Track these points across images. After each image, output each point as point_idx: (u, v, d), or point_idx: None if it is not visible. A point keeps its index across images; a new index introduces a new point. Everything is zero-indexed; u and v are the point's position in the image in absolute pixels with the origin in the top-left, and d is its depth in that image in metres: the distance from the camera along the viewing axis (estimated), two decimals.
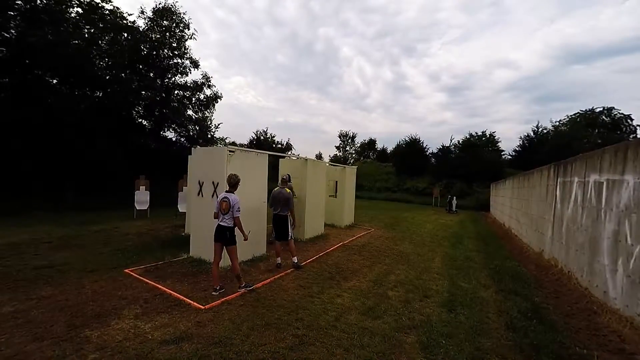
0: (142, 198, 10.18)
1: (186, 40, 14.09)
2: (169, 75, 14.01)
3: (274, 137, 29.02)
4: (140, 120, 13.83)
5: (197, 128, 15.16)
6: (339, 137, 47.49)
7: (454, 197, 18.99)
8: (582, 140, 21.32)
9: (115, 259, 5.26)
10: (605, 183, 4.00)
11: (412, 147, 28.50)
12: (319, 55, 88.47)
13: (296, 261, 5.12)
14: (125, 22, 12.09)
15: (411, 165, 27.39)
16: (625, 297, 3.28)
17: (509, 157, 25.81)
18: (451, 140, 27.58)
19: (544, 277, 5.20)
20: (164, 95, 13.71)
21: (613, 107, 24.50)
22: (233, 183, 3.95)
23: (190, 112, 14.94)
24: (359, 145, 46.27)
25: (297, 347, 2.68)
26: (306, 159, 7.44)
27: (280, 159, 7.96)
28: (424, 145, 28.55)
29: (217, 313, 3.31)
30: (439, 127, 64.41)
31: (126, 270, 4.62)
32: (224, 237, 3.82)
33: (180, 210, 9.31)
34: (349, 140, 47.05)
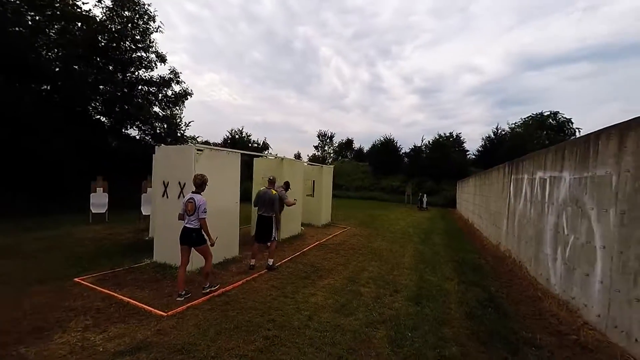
0: (99, 201, 9.39)
1: (151, 33, 13.23)
2: (132, 69, 13.06)
3: (249, 136, 28.30)
4: (98, 117, 12.73)
5: (165, 126, 14.34)
6: (318, 136, 47.72)
7: (425, 195, 20.00)
8: (534, 141, 23.54)
9: (64, 267, 4.82)
10: (548, 180, 4.48)
11: (386, 147, 29.52)
12: (297, 53, 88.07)
13: (271, 263, 5.03)
14: (78, 10, 11.04)
15: (386, 164, 28.36)
16: (563, 282, 3.71)
17: (473, 156, 27.72)
18: (422, 141, 29.06)
19: (500, 268, 5.69)
20: (126, 90, 12.74)
21: (558, 112, 27.47)
22: (199, 183, 3.85)
23: (157, 109, 14.06)
24: (337, 145, 46.87)
25: (268, 349, 2.68)
26: (282, 159, 7.39)
27: (255, 159, 7.84)
28: (398, 145, 29.75)
29: (181, 319, 3.18)
30: (412, 127, 67.54)
31: (77, 279, 4.25)
32: (190, 239, 3.72)
33: (143, 213, 8.77)
34: (328, 140, 47.47)
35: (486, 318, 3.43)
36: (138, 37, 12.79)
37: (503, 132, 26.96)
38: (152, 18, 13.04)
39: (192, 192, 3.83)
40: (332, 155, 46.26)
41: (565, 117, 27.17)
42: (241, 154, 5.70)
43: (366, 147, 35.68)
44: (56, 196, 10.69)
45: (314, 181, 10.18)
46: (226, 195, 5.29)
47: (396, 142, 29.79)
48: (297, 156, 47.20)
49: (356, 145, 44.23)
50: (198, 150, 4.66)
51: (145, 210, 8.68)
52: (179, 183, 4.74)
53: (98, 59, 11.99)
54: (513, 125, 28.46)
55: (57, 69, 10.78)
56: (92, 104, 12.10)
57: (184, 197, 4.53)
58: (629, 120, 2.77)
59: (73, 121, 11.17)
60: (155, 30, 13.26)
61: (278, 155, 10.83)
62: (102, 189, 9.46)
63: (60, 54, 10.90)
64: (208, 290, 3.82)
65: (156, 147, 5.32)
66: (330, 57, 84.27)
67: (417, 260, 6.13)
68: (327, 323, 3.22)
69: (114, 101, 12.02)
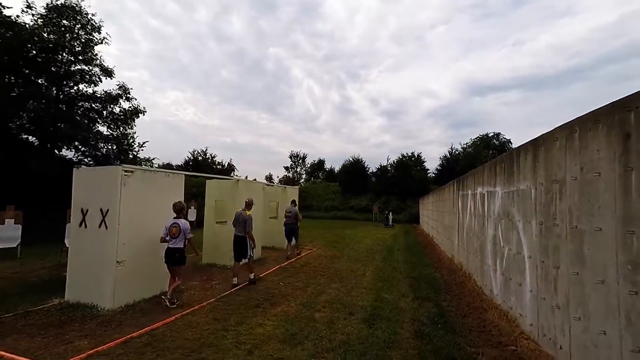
0: (7, 234, 7.89)
1: (95, 44, 12.39)
2: (71, 84, 11.92)
3: (214, 157, 27.31)
4: (26, 136, 11.19)
5: (115, 147, 13.14)
6: (290, 157, 47.74)
7: (390, 213, 20.63)
8: (482, 160, 26.12)
9: None
10: (486, 194, 4.83)
11: (355, 167, 30.45)
12: (269, 74, 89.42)
13: (252, 277, 5.51)
14: None
15: (355, 184, 29.09)
16: (502, 293, 3.88)
17: (433, 175, 29.70)
18: (387, 160, 30.51)
19: (452, 280, 5.86)
20: (62, 106, 11.51)
21: (500, 133, 31.28)
22: (179, 209, 4.46)
23: (102, 127, 12.87)
24: (309, 165, 47.20)
25: None
26: (237, 180, 7.12)
27: (208, 181, 7.42)
28: (366, 165, 30.87)
29: None
30: (380, 148, 71.01)
31: None
32: (173, 258, 4.29)
33: (67, 246, 7.65)
34: (300, 161, 47.65)
35: (434, 335, 3.40)
36: (79, 49, 11.85)
37: (457, 152, 29.52)
38: (97, 29, 12.23)
39: (174, 218, 4.41)
40: (304, 176, 46.39)
41: (505, 138, 30.91)
42: (189, 176, 5.38)
43: (337, 168, 36.49)
44: None
45: (277, 203, 9.94)
46: (166, 221, 4.83)
47: (364, 162, 30.98)
48: (269, 178, 46.46)
49: (328, 165, 45.01)
50: (126, 171, 4.24)
51: (68, 242, 7.59)
52: (101, 210, 4.20)
53: (27, 71, 10.75)
54: (465, 146, 31.40)
55: None
56: (16, 121, 10.62)
57: (106, 227, 4.12)
58: (539, 136, 3.12)
59: None
60: (100, 42, 12.45)
61: (248, 177, 10.45)
62: (12, 220, 8.07)
63: None
64: (174, 305, 4.22)
65: (74, 169, 4.70)
66: (302, 79, 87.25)
67: (376, 279, 6.09)
68: (270, 356, 2.94)
69: (43, 118, 10.64)
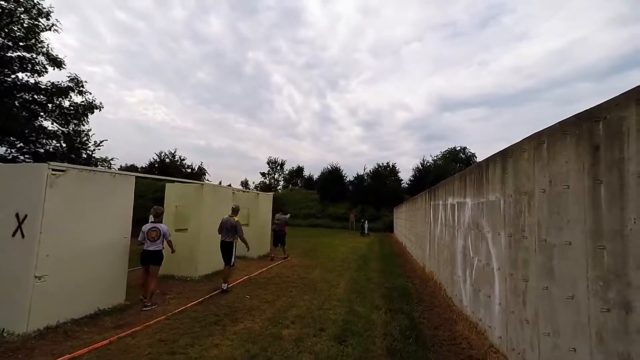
0: None
1: (42, 31, 11.12)
2: (7, 71, 10.48)
3: (183, 160, 25.82)
4: None
5: (64, 144, 11.71)
6: (268, 163, 46.75)
7: (366, 221, 20.81)
8: (451, 172, 27.63)
9: None
10: (456, 205, 4.88)
11: (333, 175, 30.57)
12: (248, 78, 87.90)
13: (225, 287, 5.40)
14: None
15: (332, 192, 29.13)
16: (472, 304, 3.86)
17: (407, 185, 30.70)
18: (364, 170, 31.07)
19: (424, 290, 5.83)
20: None
21: (466, 147, 33.50)
22: (159, 214, 4.81)
23: (48, 122, 11.42)
24: (287, 172, 46.52)
25: None
26: (202, 184, 6.60)
27: (167, 185, 6.80)
28: (344, 174, 31.10)
29: None
30: (358, 157, 72.54)
31: None
32: (154, 258, 4.53)
33: None
34: (278, 168, 46.81)
35: (406, 351, 3.24)
36: (21, 35, 10.52)
37: (428, 164, 30.89)
38: (45, 14, 11.02)
39: (152, 222, 4.68)
40: (282, 183, 45.62)
41: (471, 152, 33.15)
42: (141, 177, 4.84)
43: (316, 175, 36.43)
44: None
45: (248, 209, 9.46)
46: (109, 229, 4.29)
47: (342, 171, 31.23)
48: (244, 183, 45.06)
49: (307, 173, 44.78)
50: (55, 170, 3.61)
51: None
52: (17, 216, 3.51)
53: None
54: (435, 158, 33.02)
55: None
56: None
57: (23, 235, 3.48)
58: (508, 147, 3.15)
59: None
60: (47, 28, 11.19)
61: (222, 182, 9.87)
62: None
63: None
64: (149, 308, 4.34)
65: None
66: (282, 85, 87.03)
67: (350, 290, 5.89)
68: None
69: None
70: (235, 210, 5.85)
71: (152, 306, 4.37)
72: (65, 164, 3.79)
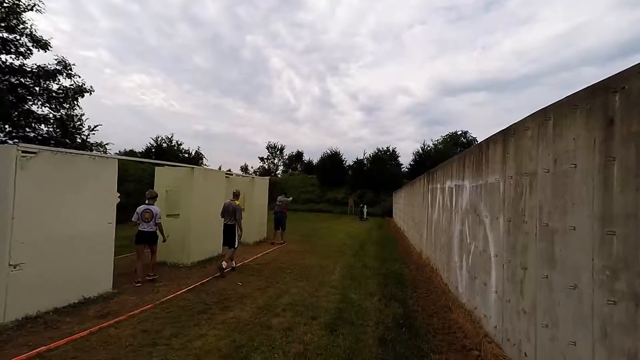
0: None
1: (23, 11, 10.57)
2: None
3: (180, 144, 25.49)
4: None
5: (56, 129, 11.49)
6: (267, 148, 46.19)
7: (365, 206, 20.75)
8: (451, 156, 27.25)
9: None
10: (454, 188, 4.66)
11: (332, 160, 30.26)
12: (246, 63, 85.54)
13: (224, 266, 5.48)
14: None
15: (332, 177, 28.96)
16: (467, 291, 3.73)
17: (407, 169, 30.37)
18: (364, 154, 30.67)
19: (420, 276, 5.74)
20: None
21: (467, 131, 32.76)
22: (153, 196, 5.15)
23: (37, 107, 11.12)
24: (287, 157, 46.09)
25: None
26: (193, 168, 6.39)
27: (157, 168, 6.62)
28: (343, 158, 30.76)
29: None
30: (358, 142, 71.70)
31: None
32: (148, 239, 4.95)
33: None
34: (278, 152, 46.31)
35: (398, 341, 3.14)
36: (1, 15, 9.97)
37: (429, 148, 30.40)
38: None
39: (146, 204, 4.99)
40: (281, 167, 45.33)
41: (472, 136, 32.43)
42: (127, 160, 4.63)
43: (315, 160, 36.07)
44: None
45: (243, 194, 9.30)
46: (90, 215, 4.11)
47: (342, 155, 30.84)
48: (244, 168, 44.83)
49: (306, 158, 44.40)
50: (25, 152, 3.37)
51: None
52: None
53: None
54: (436, 143, 32.44)
55: None
56: None
57: None
58: (510, 125, 2.89)
59: None
60: (29, 8, 10.61)
61: (222, 167, 9.69)
62: None
63: None
64: (152, 278, 5.00)
65: None
66: (282, 69, 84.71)
67: (345, 276, 5.80)
68: None
69: None
70: (236, 195, 6.12)
71: (153, 276, 5.05)
72: (36, 146, 3.55)
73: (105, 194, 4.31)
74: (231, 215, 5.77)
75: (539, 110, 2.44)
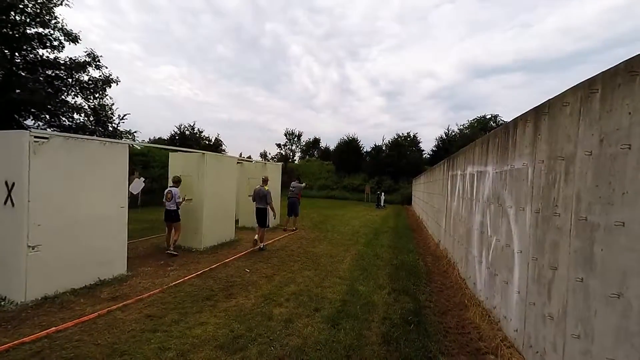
0: None
1: (54, 5, 11.01)
2: (27, 48, 10.66)
3: (202, 132, 26.25)
4: None
5: (92, 118, 12.23)
6: (285, 135, 46.35)
7: (382, 193, 20.20)
8: None
9: None
10: (476, 175, 4.20)
11: (349, 146, 29.65)
12: (266, 51, 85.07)
13: (262, 246, 6.45)
14: None
15: (348, 163, 28.45)
16: (486, 289, 3.37)
17: (428, 156, 29.00)
18: (383, 140, 29.67)
19: (436, 269, 5.40)
20: (20, 72, 10.38)
21: (498, 115, 30.18)
22: (176, 180, 5.89)
23: (71, 97, 11.80)
24: (304, 143, 46.01)
25: None
26: (204, 153, 6.40)
27: (171, 154, 6.74)
28: (361, 144, 30.02)
29: None
30: (379, 128, 69.55)
31: None
32: (170, 217, 5.73)
33: None
34: (295, 139, 46.34)
35: (404, 340, 2.92)
36: (36, 10, 10.46)
37: (453, 133, 28.64)
38: None
39: (171, 187, 5.83)
40: (298, 154, 45.40)
41: (503, 120, 29.86)
42: (138, 145, 4.68)
43: (332, 147, 35.57)
44: None
45: (255, 180, 9.30)
46: (103, 198, 4.19)
47: (359, 141, 30.07)
48: (264, 155, 45.46)
49: (323, 144, 44.03)
50: (37, 137, 3.44)
51: None
52: (6, 183, 3.48)
53: None
54: (462, 127, 30.41)
55: None
56: None
57: (12, 204, 3.45)
58: (545, 101, 2.43)
59: None
60: (59, 3, 11.05)
61: (242, 153, 9.80)
62: None
63: None
64: (171, 253, 5.72)
65: None
66: (300, 56, 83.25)
67: (354, 266, 5.61)
68: None
69: None
70: (265, 181, 6.79)
71: (174, 253, 5.68)
72: (48, 132, 3.67)
73: (116, 178, 4.38)
74: (262, 199, 6.43)
75: (582, 82, 1.98)
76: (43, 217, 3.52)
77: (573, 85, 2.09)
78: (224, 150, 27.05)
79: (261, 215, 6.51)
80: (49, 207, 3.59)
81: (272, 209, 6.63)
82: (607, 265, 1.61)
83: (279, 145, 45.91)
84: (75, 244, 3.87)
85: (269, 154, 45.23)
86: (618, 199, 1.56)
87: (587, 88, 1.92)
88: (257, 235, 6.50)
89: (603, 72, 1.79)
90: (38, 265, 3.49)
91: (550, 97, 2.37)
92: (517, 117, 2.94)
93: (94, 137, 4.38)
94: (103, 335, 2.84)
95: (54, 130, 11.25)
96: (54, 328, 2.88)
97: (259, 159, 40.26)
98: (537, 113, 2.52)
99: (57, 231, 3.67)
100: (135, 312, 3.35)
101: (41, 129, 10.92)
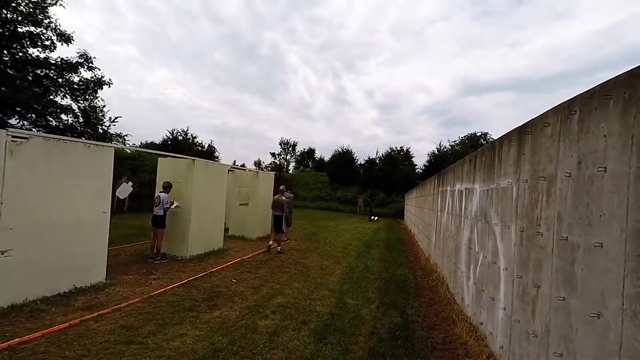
0: None
1: (48, 5, 11.02)
2: (17, 46, 10.53)
3: (195, 137, 26.07)
4: None
5: (81, 119, 12.00)
6: (280, 144, 46.54)
7: (371, 208, 20.27)
8: None
9: None
10: (464, 191, 4.28)
11: (343, 158, 29.90)
12: (263, 59, 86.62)
13: (279, 250, 7.17)
14: None
15: (342, 175, 28.60)
16: (474, 305, 3.38)
17: (421, 170, 29.47)
18: (377, 153, 30.09)
19: (425, 283, 5.38)
20: (9, 71, 10.19)
21: (487, 132, 31.18)
22: (166, 186, 5.83)
23: (59, 97, 11.59)
24: (299, 153, 46.25)
25: None
26: (193, 160, 6.33)
27: (160, 159, 6.63)
28: (355, 157, 30.31)
29: None
30: (373, 141, 70.68)
31: None
32: (155, 222, 5.65)
33: None
34: (290, 148, 46.53)
35: (390, 355, 2.87)
36: (29, 10, 10.40)
37: (445, 149, 29.31)
38: None
39: (160, 192, 5.78)
40: (293, 164, 45.49)
41: (492, 138, 30.88)
42: (120, 148, 4.64)
43: (327, 157, 35.87)
44: None
45: (247, 189, 9.24)
46: (84, 203, 4.07)
47: (353, 154, 30.39)
48: (258, 163, 45.37)
49: (318, 155, 44.36)
50: (15, 137, 3.33)
51: None
52: None
53: None
54: (453, 144, 31.20)
55: None
56: None
57: None
58: (528, 121, 2.53)
59: None
60: (53, 3, 11.04)
61: (236, 161, 9.74)
62: None
63: None
64: (158, 262, 5.61)
65: None
66: (297, 66, 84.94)
67: (344, 279, 5.54)
68: None
69: None
70: (281, 192, 7.61)
71: (161, 260, 5.68)
72: (26, 132, 3.54)
73: (100, 183, 4.27)
74: (280, 208, 7.20)
75: (562, 103, 2.08)
76: (16, 220, 3.37)
77: (554, 106, 2.20)
78: (217, 158, 26.87)
79: (278, 222, 7.24)
80: (24, 210, 3.46)
81: (286, 218, 7.46)
82: (587, 285, 1.65)
83: (273, 155, 46.04)
84: (51, 249, 3.71)
85: (263, 162, 45.19)
86: (596, 220, 1.62)
87: (566, 109, 2.01)
88: (271, 241, 7.13)
89: (581, 94, 1.89)
90: (7, 271, 3.31)
91: (534, 117, 2.47)
92: (503, 136, 3.04)
93: (78, 139, 4.30)
94: (72, 347, 2.69)
95: (40, 131, 10.99)
96: (17, 339, 2.71)
97: (253, 167, 40.14)
98: (521, 133, 2.61)
99: (31, 236, 3.52)
100: (110, 323, 3.20)
101: (26, 128, 10.62)
